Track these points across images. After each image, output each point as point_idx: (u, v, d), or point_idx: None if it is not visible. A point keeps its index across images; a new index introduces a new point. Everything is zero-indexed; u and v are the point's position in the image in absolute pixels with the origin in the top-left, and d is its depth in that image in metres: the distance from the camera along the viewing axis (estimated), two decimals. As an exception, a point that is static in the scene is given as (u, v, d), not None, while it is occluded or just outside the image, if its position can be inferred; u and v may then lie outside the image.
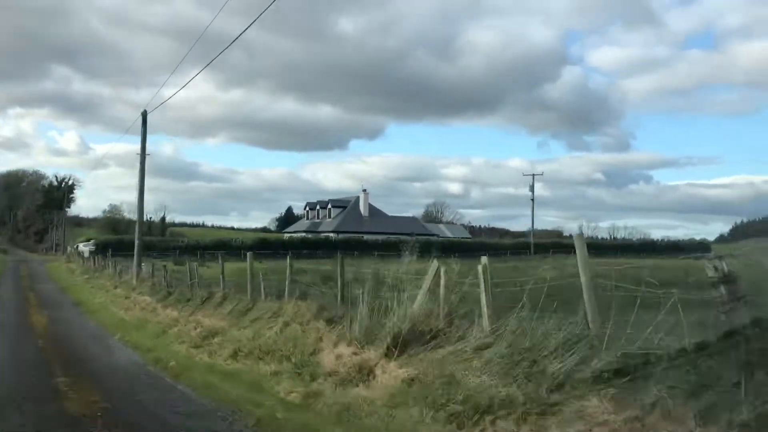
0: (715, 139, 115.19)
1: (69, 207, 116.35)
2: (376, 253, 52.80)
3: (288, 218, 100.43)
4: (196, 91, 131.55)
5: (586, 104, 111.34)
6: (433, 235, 74.60)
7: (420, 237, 68.96)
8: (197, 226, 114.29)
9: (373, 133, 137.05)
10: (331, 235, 69.85)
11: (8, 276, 37.66)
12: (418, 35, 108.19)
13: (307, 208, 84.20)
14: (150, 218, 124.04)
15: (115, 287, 25.02)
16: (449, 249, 49.33)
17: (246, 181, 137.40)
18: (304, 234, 73.60)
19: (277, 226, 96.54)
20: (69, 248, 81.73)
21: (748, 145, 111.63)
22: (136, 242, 27.66)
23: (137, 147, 28.17)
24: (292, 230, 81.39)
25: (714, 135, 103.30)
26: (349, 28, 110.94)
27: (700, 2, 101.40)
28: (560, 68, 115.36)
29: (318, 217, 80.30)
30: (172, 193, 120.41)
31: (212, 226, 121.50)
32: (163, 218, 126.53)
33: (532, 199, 70.35)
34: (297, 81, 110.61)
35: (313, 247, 61.17)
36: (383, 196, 75.02)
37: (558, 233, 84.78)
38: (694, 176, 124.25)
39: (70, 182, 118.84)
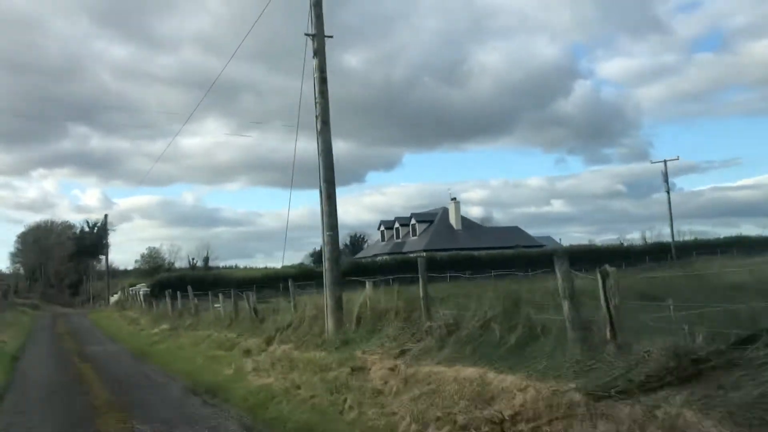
0: (733, 141, 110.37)
1: (104, 254, 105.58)
2: (492, 273, 40.35)
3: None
4: (212, 137, 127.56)
5: (601, 117, 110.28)
6: (539, 245, 61.55)
7: (526, 249, 56.41)
8: (228, 268, 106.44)
9: (389, 164, 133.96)
10: (423, 254, 56.65)
11: (40, 336, 25.84)
12: (424, 63, 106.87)
13: (382, 228, 71.70)
14: (193, 260, 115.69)
15: (266, 345, 12.44)
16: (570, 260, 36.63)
17: (268, 222, 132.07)
18: (386, 256, 60.91)
19: (313, 261, 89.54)
20: (118, 294, 70.68)
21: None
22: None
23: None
24: (366, 255, 68.77)
25: (731, 136, 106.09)
26: (354, 62, 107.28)
27: (705, 5, 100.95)
28: (571, 83, 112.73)
29: (398, 237, 67.80)
30: (196, 240, 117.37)
31: (245, 267, 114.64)
32: (206, 259, 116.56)
33: (668, 191, 57.05)
34: (309, 119, 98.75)
35: (399, 269, 48.50)
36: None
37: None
38: (717, 180, 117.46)
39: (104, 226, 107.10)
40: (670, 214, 56.80)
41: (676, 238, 58.09)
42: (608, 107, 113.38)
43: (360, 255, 71.71)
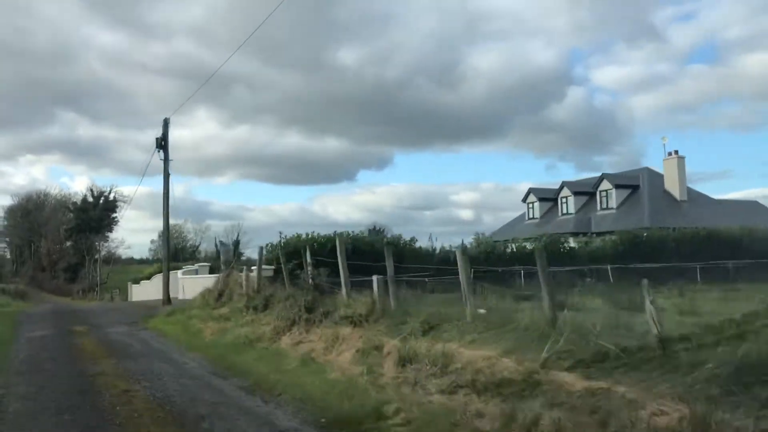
0: (724, 154, 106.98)
1: (111, 231, 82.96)
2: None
3: (334, 245, 76.96)
4: (202, 129, 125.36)
5: (594, 124, 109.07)
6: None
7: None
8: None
9: (380, 164, 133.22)
10: (643, 234, 33.61)
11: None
12: (419, 63, 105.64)
13: (534, 200, 49.24)
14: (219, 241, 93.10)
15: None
16: None
17: (257, 217, 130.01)
18: (576, 239, 38.31)
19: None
20: (130, 285, 48.51)
21: (758, 157, 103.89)
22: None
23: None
24: (509, 236, 45.34)
25: (723, 149, 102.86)
26: (349, 59, 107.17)
27: (701, 16, 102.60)
28: (565, 89, 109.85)
29: (564, 210, 45.60)
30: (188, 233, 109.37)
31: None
32: (237, 243, 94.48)
33: None
34: (301, 114, 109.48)
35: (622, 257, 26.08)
36: (395, 225, 76.44)
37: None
38: (709, 191, 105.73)
39: (111, 195, 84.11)
40: None
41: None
42: (601, 114, 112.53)
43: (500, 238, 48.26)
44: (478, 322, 7.73)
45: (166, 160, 26.73)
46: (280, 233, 23.34)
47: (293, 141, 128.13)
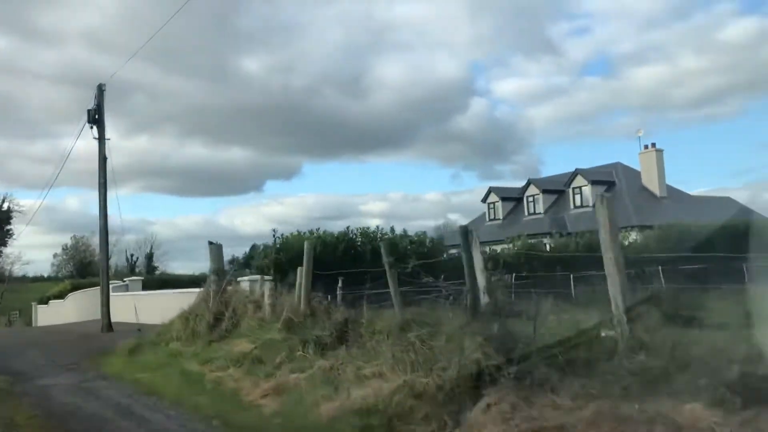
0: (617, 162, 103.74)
1: (5, 246, 72.15)
2: None
3: (253, 257, 73.22)
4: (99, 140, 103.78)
5: (495, 134, 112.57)
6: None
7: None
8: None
9: (288, 174, 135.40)
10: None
11: None
12: (326, 73, 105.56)
13: (496, 200, 45.72)
14: (132, 256, 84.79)
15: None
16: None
17: (160, 230, 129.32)
18: (542, 236, 35.27)
19: (239, 267, 68.33)
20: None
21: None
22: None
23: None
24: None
25: (614, 158, 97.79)
26: (255, 68, 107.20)
27: (595, 30, 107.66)
28: (468, 100, 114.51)
29: (531, 210, 42.55)
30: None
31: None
32: (150, 255, 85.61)
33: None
34: (205, 124, 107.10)
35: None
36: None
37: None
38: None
39: (4, 205, 73.46)
40: None
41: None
42: (502, 125, 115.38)
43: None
44: None
45: (101, 139, 20.72)
46: (274, 232, 17.80)
47: (197, 151, 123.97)
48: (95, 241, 75.75)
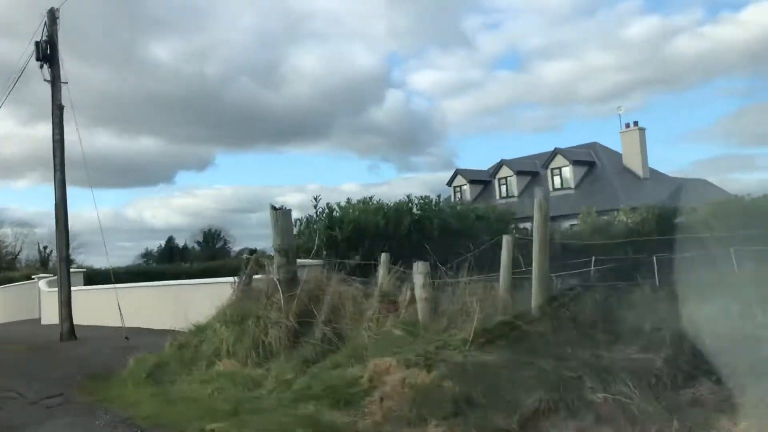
0: (528, 153, 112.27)
1: None
2: None
3: (172, 250, 78.64)
4: None
5: (411, 126, 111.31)
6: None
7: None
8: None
9: (201, 165, 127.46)
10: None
11: None
12: (240, 61, 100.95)
13: (463, 183, 42.84)
14: (45, 248, 76.78)
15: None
16: None
17: (70, 224, 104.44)
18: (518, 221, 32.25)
19: (160, 260, 73.34)
20: None
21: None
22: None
23: None
24: None
25: (524, 150, 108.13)
26: (164, 54, 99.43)
27: (505, 25, 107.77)
28: (384, 92, 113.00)
29: (504, 193, 40.00)
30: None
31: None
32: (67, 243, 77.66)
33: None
34: (111, 113, 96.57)
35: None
36: (222, 229, 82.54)
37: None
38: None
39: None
40: None
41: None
42: (418, 117, 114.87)
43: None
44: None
45: (55, 81, 15.87)
46: (315, 199, 12.86)
47: (103, 141, 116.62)
48: (5, 231, 68.11)
